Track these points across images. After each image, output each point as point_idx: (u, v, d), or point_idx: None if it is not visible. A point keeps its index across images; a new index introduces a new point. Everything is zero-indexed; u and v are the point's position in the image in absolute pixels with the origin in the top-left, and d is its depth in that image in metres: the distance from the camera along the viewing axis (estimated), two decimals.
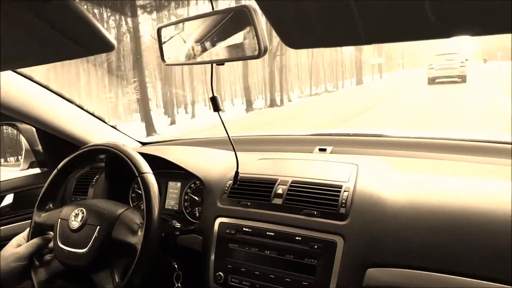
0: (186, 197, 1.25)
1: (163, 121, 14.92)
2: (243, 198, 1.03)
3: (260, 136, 1.59)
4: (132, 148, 1.00)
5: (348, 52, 27.32)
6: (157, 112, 16.54)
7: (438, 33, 0.35)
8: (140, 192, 1.33)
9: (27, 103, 1.24)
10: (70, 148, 1.19)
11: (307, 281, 0.88)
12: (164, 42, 0.90)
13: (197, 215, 1.21)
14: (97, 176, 1.38)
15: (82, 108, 1.44)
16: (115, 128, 1.57)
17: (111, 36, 0.49)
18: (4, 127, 1.43)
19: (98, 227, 0.89)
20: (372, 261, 0.85)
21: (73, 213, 0.93)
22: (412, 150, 1.25)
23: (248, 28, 0.72)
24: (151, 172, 0.93)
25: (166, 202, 1.28)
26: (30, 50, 0.54)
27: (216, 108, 0.93)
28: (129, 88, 13.48)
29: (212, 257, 1.00)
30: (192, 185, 1.25)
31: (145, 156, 0.97)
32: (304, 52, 22.45)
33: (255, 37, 0.71)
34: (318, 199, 0.94)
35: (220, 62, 0.82)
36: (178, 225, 1.11)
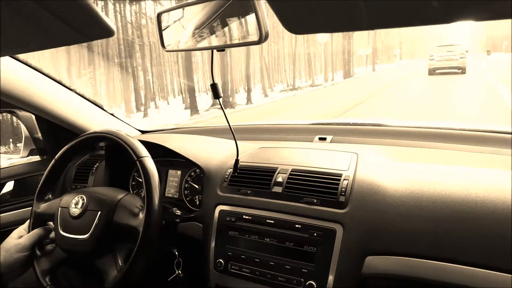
0: (186, 185, 1.25)
1: None
2: (243, 186, 1.03)
3: (261, 125, 1.59)
4: (131, 135, 1.00)
5: (334, 42, 25.20)
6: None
7: (441, 18, 0.35)
8: (140, 180, 1.33)
9: (26, 90, 1.23)
10: (69, 136, 1.19)
11: (306, 268, 0.88)
12: (164, 28, 0.90)
13: (197, 203, 1.22)
14: (97, 164, 1.39)
15: (82, 96, 1.44)
16: (115, 116, 1.57)
17: (110, 21, 0.49)
18: (4, 114, 1.43)
19: (99, 212, 0.89)
20: (371, 249, 0.85)
21: (74, 201, 0.93)
22: (412, 140, 1.25)
23: (249, 13, 0.71)
24: (150, 156, 0.93)
25: (166, 190, 1.29)
26: (29, 36, 0.53)
27: (216, 95, 0.92)
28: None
29: (213, 244, 1.01)
30: (192, 173, 1.25)
31: (145, 144, 0.97)
32: (286, 42, 21.30)
33: (256, 22, 0.70)
34: (318, 187, 0.94)
35: (221, 48, 0.81)
36: (178, 212, 1.11)
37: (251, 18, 0.71)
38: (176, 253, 1.07)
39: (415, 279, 0.80)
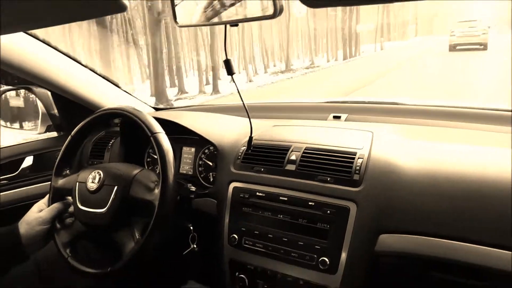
0: (200, 162, 1.26)
1: None
2: (256, 164, 1.04)
3: (275, 103, 1.58)
4: (145, 111, 1.00)
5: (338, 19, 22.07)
6: None
7: None
8: (155, 156, 1.35)
9: (42, 66, 1.24)
10: (84, 113, 1.20)
11: (319, 244, 0.89)
12: (177, 4, 0.88)
13: (211, 180, 1.23)
14: (112, 141, 1.41)
15: (97, 73, 1.44)
16: (129, 93, 1.58)
17: None
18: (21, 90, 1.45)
19: (116, 187, 0.91)
20: (385, 227, 0.85)
21: (91, 176, 0.95)
22: (428, 118, 1.22)
23: None
24: (164, 132, 0.93)
25: (181, 166, 1.30)
26: (43, 11, 0.53)
27: (230, 71, 0.91)
28: None
29: (226, 220, 1.02)
30: (206, 151, 1.26)
31: (160, 121, 0.97)
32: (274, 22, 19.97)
33: None
34: (332, 165, 0.94)
35: (234, 23, 0.79)
36: (193, 188, 1.13)
37: None
38: (191, 228, 1.09)
39: (428, 257, 0.80)
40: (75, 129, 1.05)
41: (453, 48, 15.79)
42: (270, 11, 0.71)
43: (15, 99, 1.48)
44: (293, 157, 1.00)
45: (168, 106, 1.74)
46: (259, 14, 0.74)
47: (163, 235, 0.86)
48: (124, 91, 1.56)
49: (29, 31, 1.20)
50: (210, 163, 1.24)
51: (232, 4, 0.77)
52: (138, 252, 0.85)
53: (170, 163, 0.88)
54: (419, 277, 0.87)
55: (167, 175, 0.87)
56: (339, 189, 0.90)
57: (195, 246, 1.08)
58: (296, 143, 1.03)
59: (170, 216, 0.87)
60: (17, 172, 1.38)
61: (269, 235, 0.96)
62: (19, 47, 1.17)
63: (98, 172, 0.94)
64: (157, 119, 0.98)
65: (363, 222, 0.86)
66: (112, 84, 1.50)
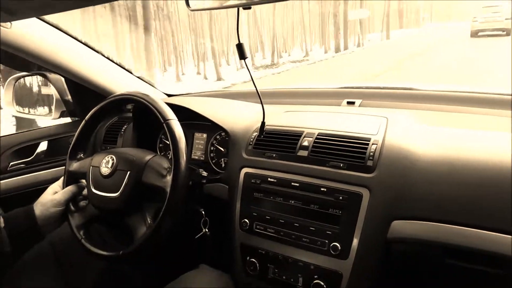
0: (212, 148, 1.26)
1: None
2: (268, 150, 1.03)
3: (287, 89, 1.56)
4: (158, 97, 1.00)
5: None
6: None
7: None
8: (167, 142, 1.36)
9: (55, 52, 1.25)
10: (97, 98, 1.21)
11: (331, 230, 0.89)
12: None
13: (223, 165, 1.23)
14: (125, 126, 1.42)
15: (109, 59, 1.45)
16: (141, 79, 1.58)
17: None
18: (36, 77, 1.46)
19: (128, 172, 0.91)
20: (398, 214, 0.84)
21: (104, 160, 0.96)
22: (444, 104, 1.19)
23: None
24: (176, 119, 0.93)
25: (193, 152, 1.31)
26: None
27: (242, 55, 0.90)
28: None
29: (238, 205, 1.03)
30: (218, 137, 1.26)
31: (172, 107, 0.97)
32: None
33: None
34: (345, 151, 0.93)
35: (247, 6, 0.78)
36: (204, 173, 1.13)
37: None
38: (203, 212, 1.10)
39: (442, 244, 0.79)
40: (89, 114, 1.06)
41: (474, 34, 15.64)
42: None
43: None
44: (305, 143, 0.99)
45: (181, 92, 1.74)
46: None
47: (174, 220, 0.86)
48: (137, 77, 1.56)
49: (43, 17, 1.20)
50: (222, 149, 1.24)
51: None
52: (149, 237, 0.85)
53: (182, 150, 0.88)
54: (433, 264, 0.86)
55: (180, 162, 0.87)
56: (352, 175, 0.89)
57: (207, 230, 1.09)
58: (309, 129, 1.02)
59: (181, 202, 0.87)
60: (32, 157, 1.41)
61: (280, 220, 0.96)
62: (33, 33, 1.18)
63: (111, 157, 0.95)
64: (169, 104, 0.98)
65: (376, 208, 0.85)
66: (124, 70, 1.50)
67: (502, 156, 0.81)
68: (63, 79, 1.41)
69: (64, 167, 1.06)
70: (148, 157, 0.95)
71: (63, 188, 1.01)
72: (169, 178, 0.88)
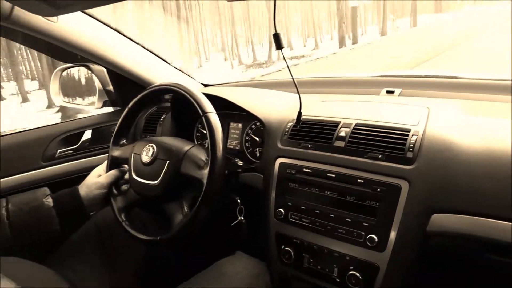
0: (247, 138, 1.27)
1: None
2: (303, 140, 1.03)
3: (324, 78, 1.53)
4: (196, 89, 1.02)
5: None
6: None
7: None
8: (204, 131, 1.38)
9: (98, 45, 1.30)
10: (137, 89, 1.25)
11: (368, 222, 0.88)
12: None
13: (258, 155, 1.24)
14: (164, 116, 1.46)
15: (149, 51, 1.49)
16: (180, 70, 1.61)
17: None
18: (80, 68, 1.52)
19: (168, 162, 0.94)
20: (439, 207, 0.82)
21: (145, 149, 0.99)
22: (489, 93, 1.13)
23: None
24: (215, 111, 0.95)
25: (228, 141, 1.32)
26: None
27: (279, 45, 0.90)
28: None
29: (273, 194, 1.03)
30: (253, 126, 1.26)
31: (208, 96, 0.99)
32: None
33: None
34: (384, 142, 0.90)
35: None
36: (240, 163, 1.15)
37: None
38: (239, 200, 1.12)
39: (483, 239, 0.76)
40: (132, 102, 1.09)
41: None
42: None
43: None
44: (342, 134, 0.98)
45: (216, 82, 1.76)
46: None
47: (210, 209, 0.88)
48: (174, 67, 1.59)
49: (86, 11, 1.25)
50: (257, 139, 1.24)
51: None
52: (186, 225, 0.88)
53: (219, 142, 0.90)
54: (473, 259, 0.83)
55: (216, 155, 0.88)
56: (391, 166, 0.87)
57: (242, 218, 1.11)
58: (346, 119, 1.01)
59: (217, 192, 0.89)
60: (78, 145, 1.48)
61: (315, 211, 0.96)
62: (78, 26, 1.23)
63: (151, 146, 0.98)
64: (206, 94, 1.00)
65: (415, 201, 0.83)
66: (163, 61, 1.54)
67: None
68: (105, 70, 1.47)
69: (106, 154, 1.10)
70: (187, 147, 0.97)
71: (107, 172, 1.06)
72: (206, 170, 0.89)
